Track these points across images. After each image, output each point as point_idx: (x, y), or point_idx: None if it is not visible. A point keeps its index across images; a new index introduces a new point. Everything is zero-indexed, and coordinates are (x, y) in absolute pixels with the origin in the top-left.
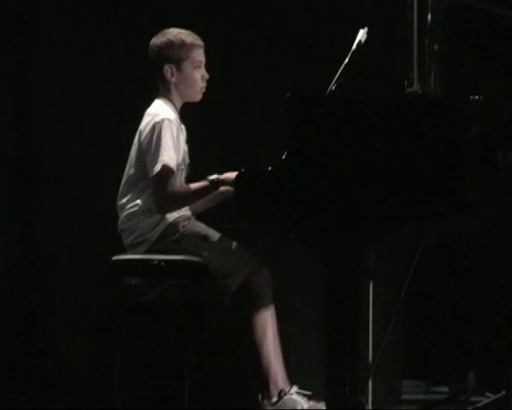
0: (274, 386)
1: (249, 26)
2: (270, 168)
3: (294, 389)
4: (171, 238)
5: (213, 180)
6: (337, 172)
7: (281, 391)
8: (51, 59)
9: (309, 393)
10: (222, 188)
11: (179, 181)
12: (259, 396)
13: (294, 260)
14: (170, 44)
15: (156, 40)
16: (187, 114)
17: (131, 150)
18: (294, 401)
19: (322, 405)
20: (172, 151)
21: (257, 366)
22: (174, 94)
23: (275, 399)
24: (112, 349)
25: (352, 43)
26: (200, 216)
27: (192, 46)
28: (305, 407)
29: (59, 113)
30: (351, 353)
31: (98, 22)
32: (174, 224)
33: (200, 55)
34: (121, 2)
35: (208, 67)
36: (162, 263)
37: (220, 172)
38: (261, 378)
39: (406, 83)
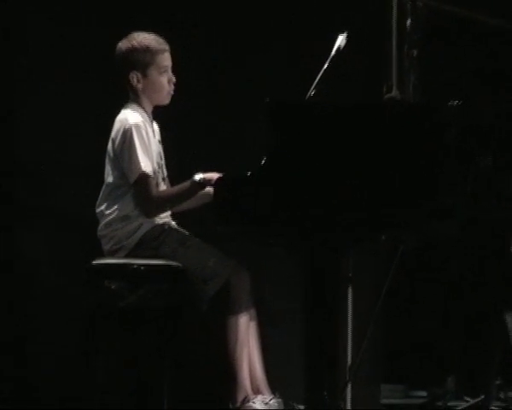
0: (241, 391)
1: (232, 32)
2: (249, 173)
3: (259, 397)
4: (149, 245)
5: (199, 180)
6: (316, 178)
7: (245, 398)
8: (37, 69)
9: (276, 403)
10: (208, 188)
11: (157, 182)
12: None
13: (274, 264)
14: (134, 50)
15: (121, 45)
16: (167, 117)
17: (106, 158)
18: None
19: None
20: (145, 156)
21: (226, 369)
22: (143, 99)
23: (238, 404)
24: (92, 352)
25: (331, 49)
26: (179, 219)
27: (156, 51)
28: None
29: (41, 120)
30: (329, 357)
31: (88, 24)
32: (152, 231)
33: (165, 60)
34: (113, 4)
35: (191, 72)
36: (142, 267)
37: (204, 172)
38: (229, 382)
39: (385, 88)
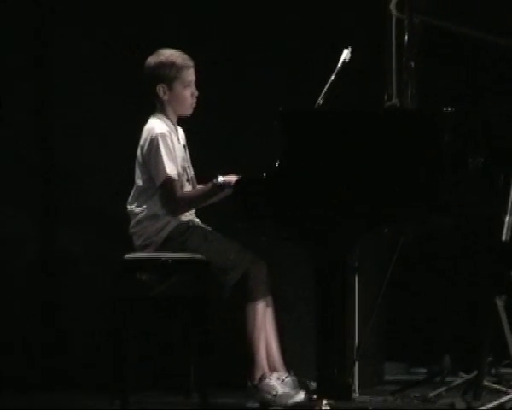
0: (258, 370)
1: (248, 47)
2: (264, 175)
3: (275, 375)
4: (175, 240)
5: (220, 183)
6: (325, 178)
7: (262, 375)
8: (73, 83)
9: (290, 380)
10: (227, 189)
11: (181, 184)
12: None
13: (288, 255)
14: (161, 65)
15: (150, 61)
16: (192, 127)
17: (136, 163)
18: (270, 387)
19: (298, 394)
20: (170, 162)
21: (245, 351)
22: (168, 109)
23: (256, 381)
24: (125, 338)
25: (338, 62)
26: (202, 217)
27: (182, 67)
28: (279, 392)
29: (76, 124)
30: (338, 339)
31: (114, 39)
32: (178, 228)
33: (189, 75)
34: (134, 26)
35: (211, 84)
36: (169, 261)
37: (224, 175)
38: (248, 362)
39: (386, 97)
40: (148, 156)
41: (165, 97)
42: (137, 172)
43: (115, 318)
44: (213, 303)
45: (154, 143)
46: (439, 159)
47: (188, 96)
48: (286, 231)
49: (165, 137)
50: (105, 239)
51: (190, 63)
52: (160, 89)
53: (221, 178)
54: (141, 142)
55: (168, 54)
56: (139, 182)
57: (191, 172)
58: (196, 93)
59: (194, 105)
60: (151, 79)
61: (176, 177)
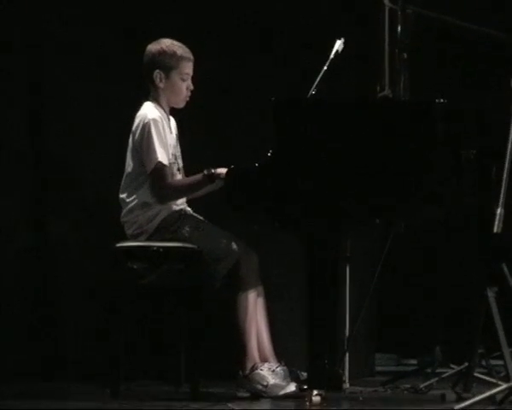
0: (249, 360)
1: (241, 39)
2: (257, 164)
3: (266, 365)
4: (167, 229)
5: (209, 174)
6: (317, 168)
7: (253, 366)
8: (63, 70)
9: (281, 371)
10: (217, 181)
11: (172, 172)
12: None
13: (280, 245)
14: (162, 53)
15: (151, 47)
16: (184, 117)
17: (127, 150)
18: (262, 377)
19: (289, 385)
20: (162, 148)
21: (236, 341)
22: (162, 97)
23: (247, 372)
24: (115, 327)
25: (331, 53)
26: (194, 206)
27: (182, 58)
28: (270, 383)
29: (68, 119)
30: (330, 330)
31: (108, 34)
32: (170, 216)
33: (187, 68)
34: (132, 19)
35: (204, 75)
36: (161, 249)
37: (214, 167)
38: (239, 352)
39: (379, 88)
40: (140, 142)
41: (161, 85)
42: (128, 159)
43: (106, 306)
44: (204, 292)
45: (145, 128)
46: (431, 150)
47: (183, 87)
48: (278, 221)
49: (157, 122)
50: (96, 228)
51: (191, 56)
52: (157, 75)
53: (211, 170)
54: (133, 128)
55: (170, 43)
56: (129, 169)
57: (181, 162)
58: (191, 87)
59: (187, 99)
60: (149, 65)
61: (167, 163)
